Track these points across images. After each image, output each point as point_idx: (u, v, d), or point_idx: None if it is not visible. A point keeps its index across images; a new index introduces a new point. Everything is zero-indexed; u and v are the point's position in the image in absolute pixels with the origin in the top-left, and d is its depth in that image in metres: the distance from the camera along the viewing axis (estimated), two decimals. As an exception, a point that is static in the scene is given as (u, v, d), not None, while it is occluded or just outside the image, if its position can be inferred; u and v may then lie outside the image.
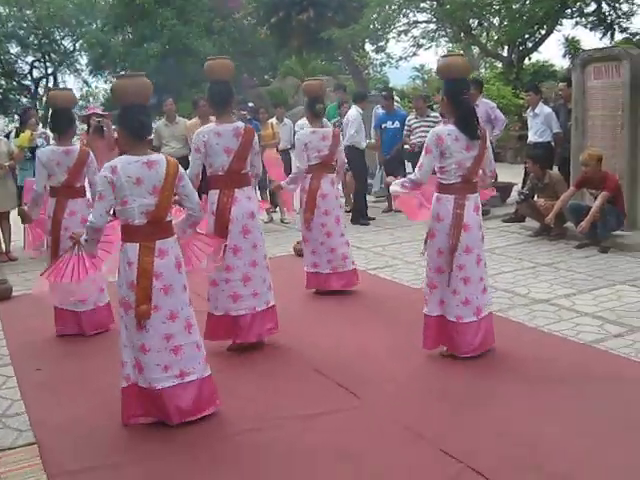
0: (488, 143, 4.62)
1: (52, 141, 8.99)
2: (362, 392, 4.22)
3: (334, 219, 6.33)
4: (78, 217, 5.49)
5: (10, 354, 5.32)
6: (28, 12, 35.23)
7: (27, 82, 38.22)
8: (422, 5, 20.05)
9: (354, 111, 10.04)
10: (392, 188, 4.80)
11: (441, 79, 4.70)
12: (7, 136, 9.33)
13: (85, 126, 9.90)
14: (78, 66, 38.55)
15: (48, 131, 9.40)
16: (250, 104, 12.45)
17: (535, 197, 8.64)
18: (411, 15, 20.58)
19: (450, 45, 25.86)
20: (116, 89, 3.83)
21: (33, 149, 8.74)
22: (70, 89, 5.98)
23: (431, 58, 73.01)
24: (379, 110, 11.50)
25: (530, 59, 20.32)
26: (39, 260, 8.73)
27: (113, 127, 8.30)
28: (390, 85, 29.60)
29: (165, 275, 3.75)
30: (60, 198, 5.51)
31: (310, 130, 6.31)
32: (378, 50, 31.11)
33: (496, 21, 21.57)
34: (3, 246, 8.80)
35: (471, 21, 20.80)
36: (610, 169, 7.79)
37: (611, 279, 6.46)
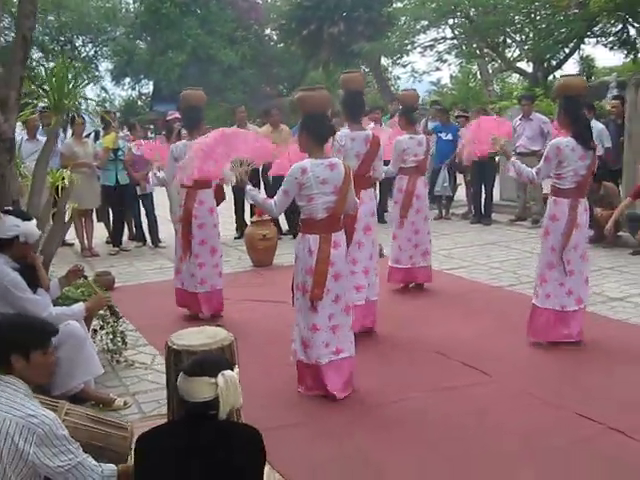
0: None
1: (132, 143, 9.58)
2: (491, 370, 4.73)
3: (423, 217, 6.89)
4: (206, 206, 6.06)
5: (144, 336, 5.80)
6: (51, 18, 35.81)
7: (47, 87, 38.70)
8: (450, 22, 20.75)
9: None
10: (513, 163, 5.28)
11: (558, 96, 5.23)
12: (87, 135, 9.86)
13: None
14: (97, 73, 39.16)
15: (128, 133, 9.97)
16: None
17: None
18: (440, 31, 21.25)
19: (472, 60, 26.49)
20: (301, 100, 4.33)
21: (116, 150, 9.28)
22: (200, 88, 6.31)
23: (445, 73, 73.31)
24: (429, 122, 12.10)
25: (555, 77, 20.97)
26: (122, 256, 9.29)
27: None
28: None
29: (337, 263, 4.31)
30: (190, 189, 5.98)
31: (408, 136, 6.81)
32: (394, 63, 31.79)
33: (518, 38, 22.26)
34: (86, 242, 9.31)
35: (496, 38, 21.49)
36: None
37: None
